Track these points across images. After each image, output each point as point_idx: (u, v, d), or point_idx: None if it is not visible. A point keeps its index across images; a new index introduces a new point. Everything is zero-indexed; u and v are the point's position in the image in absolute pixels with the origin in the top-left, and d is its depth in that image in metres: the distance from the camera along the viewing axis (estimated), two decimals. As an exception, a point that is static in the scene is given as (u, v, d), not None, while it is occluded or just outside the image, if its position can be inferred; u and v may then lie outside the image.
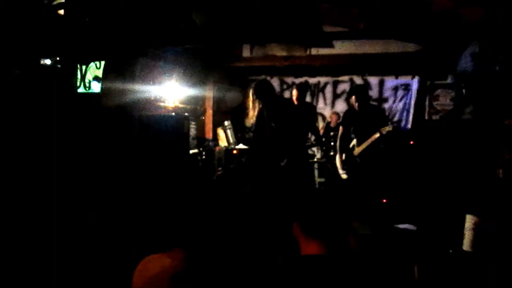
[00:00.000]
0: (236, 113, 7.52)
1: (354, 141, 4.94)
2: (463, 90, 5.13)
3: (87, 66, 4.10)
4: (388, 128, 4.75)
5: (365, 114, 4.83)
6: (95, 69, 4.36)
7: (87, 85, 4.26)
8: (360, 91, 4.94)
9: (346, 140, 5.02)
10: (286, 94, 7.35)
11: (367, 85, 6.72)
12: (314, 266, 1.55)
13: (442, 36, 4.57)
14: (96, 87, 4.33)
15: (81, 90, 4.42)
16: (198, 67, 6.62)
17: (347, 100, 5.68)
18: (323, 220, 1.70)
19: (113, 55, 4.20)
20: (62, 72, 4.18)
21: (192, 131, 6.50)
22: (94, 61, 4.21)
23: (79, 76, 4.29)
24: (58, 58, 4.01)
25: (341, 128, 5.11)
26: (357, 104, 4.81)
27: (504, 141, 3.87)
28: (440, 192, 4.69)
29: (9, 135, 3.43)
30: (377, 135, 4.69)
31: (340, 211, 1.84)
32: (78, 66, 4.06)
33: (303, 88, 5.18)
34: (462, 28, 4.18)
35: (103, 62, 4.25)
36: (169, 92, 5.95)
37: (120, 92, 4.53)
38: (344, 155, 5.01)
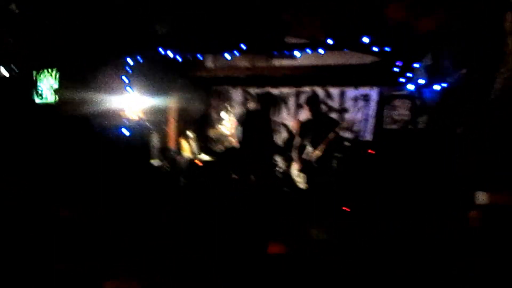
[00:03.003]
0: (200, 123, 7.48)
1: (309, 148, 5.05)
2: (418, 101, 5.35)
3: (38, 74, 3.97)
4: (342, 127, 4.97)
5: (317, 122, 5.01)
6: (50, 79, 4.23)
7: (42, 95, 4.12)
8: (312, 100, 5.16)
9: (300, 149, 5.14)
10: (250, 105, 7.38)
11: (317, 95, 6.84)
12: (277, 263, 1.62)
13: (397, 47, 4.75)
14: (50, 97, 4.20)
15: (37, 100, 4.28)
16: (161, 77, 6.55)
17: (310, 110, 5.77)
18: (285, 224, 1.76)
19: (69, 63, 4.10)
20: (17, 81, 4.04)
21: (155, 142, 6.41)
22: (47, 68, 4.09)
23: (36, 85, 4.16)
24: (12, 66, 3.88)
25: (297, 138, 5.22)
26: (310, 113, 5.02)
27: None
28: (399, 196, 4.84)
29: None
30: (333, 134, 4.84)
31: (298, 217, 1.90)
32: (34, 74, 3.94)
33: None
34: (414, 39, 4.36)
35: (56, 72, 4.14)
36: (131, 102, 5.85)
37: (78, 102, 4.42)
38: (301, 163, 5.09)
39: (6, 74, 3.73)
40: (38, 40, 3.86)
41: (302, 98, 7.14)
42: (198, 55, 6.11)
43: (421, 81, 5.00)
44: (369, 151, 6.02)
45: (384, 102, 6.88)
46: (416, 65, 4.96)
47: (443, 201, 3.82)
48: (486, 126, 3.49)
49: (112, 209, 4.09)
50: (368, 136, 7.02)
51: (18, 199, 3.42)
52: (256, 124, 5.08)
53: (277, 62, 6.78)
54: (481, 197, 2.87)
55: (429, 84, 4.84)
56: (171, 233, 3.74)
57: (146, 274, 2.78)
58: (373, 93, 6.95)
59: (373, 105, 6.97)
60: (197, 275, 2.63)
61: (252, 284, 1.66)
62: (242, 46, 5.39)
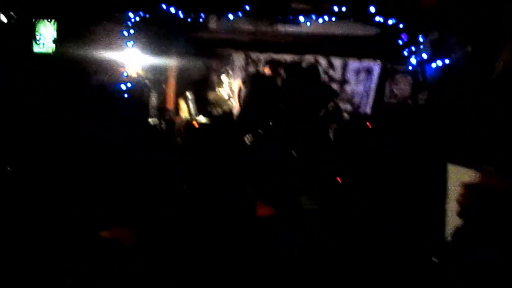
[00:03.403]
0: (199, 85, 7.43)
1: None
2: (420, 77, 5.29)
3: (37, 22, 3.90)
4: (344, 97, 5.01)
5: (316, 91, 5.00)
6: (50, 29, 4.16)
7: (40, 44, 4.06)
8: (311, 70, 5.15)
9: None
10: (250, 69, 7.31)
11: (316, 64, 6.76)
12: (266, 225, 1.66)
13: (403, 20, 4.67)
14: (49, 47, 4.14)
15: (37, 49, 4.23)
16: (163, 35, 6.45)
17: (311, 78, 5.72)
18: (275, 188, 1.79)
19: (69, 14, 4.02)
20: (16, 29, 3.98)
21: (153, 100, 6.38)
22: (46, 18, 4.01)
23: (36, 35, 4.10)
24: (11, 13, 3.81)
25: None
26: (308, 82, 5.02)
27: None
28: (394, 170, 4.88)
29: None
30: (331, 104, 4.84)
31: (289, 182, 1.93)
32: (33, 23, 3.88)
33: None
34: (420, 12, 4.29)
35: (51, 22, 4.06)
36: (131, 59, 5.78)
37: (77, 54, 4.36)
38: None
39: (5, 20, 3.66)
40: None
41: (304, 66, 7.07)
42: (201, 15, 5.99)
43: (425, 57, 4.94)
44: (367, 124, 6.03)
45: (386, 76, 6.82)
46: (420, 40, 4.89)
47: (437, 178, 3.85)
48: (486, 105, 3.49)
49: (108, 164, 4.11)
50: (368, 110, 7.01)
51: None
52: (262, 88, 5.09)
53: (281, 28, 6.67)
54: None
55: (432, 60, 4.78)
56: (165, 193, 3.79)
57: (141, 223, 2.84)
58: (376, 66, 6.89)
59: (375, 78, 6.92)
60: (190, 238, 2.69)
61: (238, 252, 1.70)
62: (246, 7, 5.29)
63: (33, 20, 3.90)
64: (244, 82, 5.40)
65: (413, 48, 5.17)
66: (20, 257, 2.44)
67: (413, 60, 5.37)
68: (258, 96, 5.11)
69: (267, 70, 5.23)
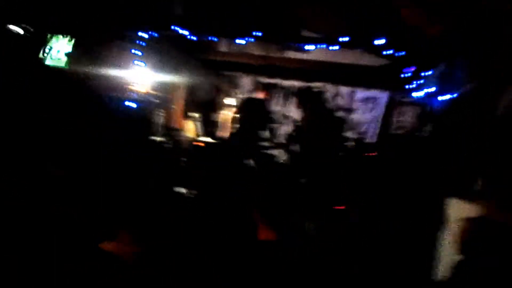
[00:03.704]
0: (207, 106, 7.50)
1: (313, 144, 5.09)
2: (425, 109, 5.32)
3: (52, 36, 4.00)
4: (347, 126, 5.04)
5: (322, 119, 5.04)
6: (64, 43, 4.25)
7: (54, 57, 4.15)
8: (317, 97, 5.21)
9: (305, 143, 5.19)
10: (259, 95, 7.39)
11: (323, 92, 6.84)
12: (269, 250, 1.64)
13: (411, 52, 4.73)
14: (62, 61, 4.22)
15: (48, 62, 4.31)
16: (173, 56, 6.57)
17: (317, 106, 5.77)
18: (279, 211, 1.79)
19: (83, 31, 4.12)
20: (29, 41, 4.07)
21: (160, 119, 6.45)
22: (62, 33, 4.11)
23: (47, 48, 4.19)
24: (27, 26, 3.90)
25: (302, 131, 5.26)
26: (314, 109, 5.06)
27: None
28: (397, 202, 4.85)
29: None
30: (338, 133, 4.86)
31: (294, 205, 1.93)
32: (48, 36, 3.98)
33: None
34: (429, 45, 4.34)
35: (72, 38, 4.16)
36: (141, 77, 5.88)
37: (88, 70, 4.45)
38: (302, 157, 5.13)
39: (21, 32, 3.75)
40: (56, 2, 3.89)
41: (312, 93, 7.15)
42: (212, 38, 6.10)
43: (431, 90, 4.97)
44: (372, 153, 6.03)
45: (392, 107, 6.86)
46: (428, 73, 4.94)
47: (438, 212, 3.83)
48: (489, 140, 3.49)
49: (111, 177, 4.13)
50: (373, 139, 7.02)
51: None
52: (254, 113, 5.16)
53: (290, 54, 6.77)
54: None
55: (438, 94, 4.81)
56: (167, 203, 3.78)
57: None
58: (383, 96, 6.94)
59: (381, 108, 6.96)
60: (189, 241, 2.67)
61: (238, 268, 1.70)
62: (257, 33, 5.39)
63: (48, 34, 3.99)
64: (239, 107, 5.49)
65: (420, 81, 5.22)
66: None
67: (419, 93, 5.41)
68: (248, 121, 5.19)
69: (262, 95, 5.35)
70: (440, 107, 4.89)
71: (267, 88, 7.47)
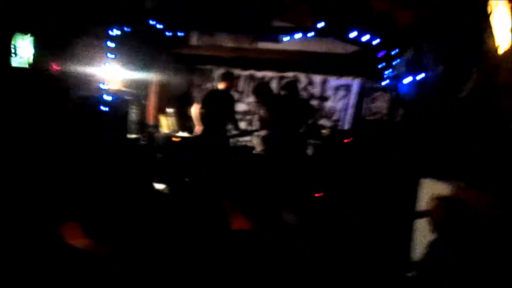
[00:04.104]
0: (181, 101, 7.45)
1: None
2: (396, 94, 5.44)
3: (16, 36, 3.90)
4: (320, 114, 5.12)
5: (295, 107, 5.10)
6: (28, 42, 4.13)
7: (19, 58, 4.03)
8: (289, 86, 5.26)
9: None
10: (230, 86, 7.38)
11: (296, 81, 6.89)
12: (242, 240, 1.66)
13: (380, 38, 4.82)
14: (27, 61, 4.11)
15: (14, 63, 4.20)
16: (144, 51, 6.48)
17: (290, 95, 5.82)
18: (252, 198, 1.81)
19: (46, 28, 4.02)
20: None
21: (133, 115, 6.37)
22: (24, 32, 4.00)
23: (12, 48, 4.07)
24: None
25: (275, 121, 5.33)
26: (287, 98, 5.13)
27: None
28: (369, 185, 4.97)
29: None
30: (311, 120, 4.95)
31: (268, 192, 1.95)
32: (12, 37, 3.87)
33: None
34: (397, 31, 4.43)
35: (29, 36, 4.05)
36: (112, 74, 5.78)
37: (55, 69, 4.36)
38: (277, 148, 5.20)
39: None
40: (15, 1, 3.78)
41: (285, 83, 7.21)
42: (183, 32, 6.06)
43: (401, 75, 5.09)
44: (346, 140, 6.13)
45: (364, 94, 6.99)
46: (396, 58, 5.04)
47: (410, 193, 3.94)
48: (457, 123, 3.61)
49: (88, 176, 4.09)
50: (346, 126, 7.14)
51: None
52: (225, 105, 5.23)
53: (262, 45, 6.79)
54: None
55: (408, 78, 4.93)
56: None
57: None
58: (354, 84, 7.05)
59: (353, 95, 7.07)
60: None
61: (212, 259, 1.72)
62: (228, 26, 5.39)
63: (10, 33, 3.88)
64: (210, 100, 5.55)
65: (389, 66, 5.33)
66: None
67: (390, 78, 5.53)
68: (220, 113, 5.27)
69: (223, 85, 5.42)
70: (409, 91, 5.01)
71: (240, 79, 7.50)
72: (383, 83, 5.97)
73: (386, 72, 5.57)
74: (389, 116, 6.09)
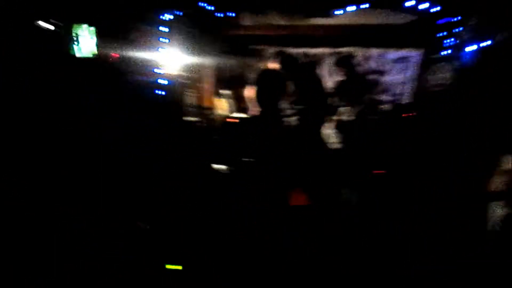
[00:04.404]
0: (235, 82, 7.48)
1: (343, 109, 5.01)
2: (460, 63, 5.10)
3: (76, 27, 4.06)
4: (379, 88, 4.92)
5: (352, 83, 4.93)
6: (89, 33, 4.30)
7: (81, 49, 4.22)
8: (345, 62, 5.07)
9: (334, 110, 5.13)
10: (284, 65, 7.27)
11: (351, 56, 6.64)
12: (301, 215, 1.66)
13: (441, 5, 4.52)
14: (89, 52, 4.29)
15: (78, 54, 4.39)
16: (197, 35, 6.55)
17: (346, 71, 5.64)
18: (310, 173, 1.79)
19: (105, 18, 4.16)
20: (57, 35, 4.15)
21: (190, 99, 6.50)
22: (87, 23, 4.16)
23: (74, 40, 4.26)
24: (53, 20, 3.98)
25: (329, 99, 5.20)
26: (343, 74, 4.95)
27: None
28: (438, 162, 4.75)
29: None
30: (369, 95, 4.76)
31: (326, 168, 1.92)
32: (74, 28, 4.05)
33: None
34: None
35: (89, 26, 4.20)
36: (167, 59, 5.91)
37: (115, 57, 4.53)
38: (335, 125, 5.08)
39: (48, 27, 3.84)
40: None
41: (339, 59, 6.98)
42: (233, 13, 6.04)
43: (465, 43, 4.76)
44: (407, 114, 5.89)
45: (425, 65, 6.62)
46: (459, 26, 4.71)
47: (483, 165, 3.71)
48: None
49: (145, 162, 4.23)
50: (407, 99, 6.84)
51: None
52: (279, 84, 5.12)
53: (314, 21, 6.61)
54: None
55: (472, 46, 4.60)
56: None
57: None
58: (415, 55, 6.70)
59: (413, 68, 6.74)
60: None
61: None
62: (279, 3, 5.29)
63: (73, 25, 4.06)
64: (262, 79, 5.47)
65: (450, 34, 5.00)
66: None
67: (453, 47, 5.19)
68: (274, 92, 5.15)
69: (276, 64, 5.29)
70: (474, 60, 4.69)
71: (294, 57, 7.39)
72: (445, 53, 5.62)
73: (447, 41, 5.24)
74: (454, 86, 5.74)
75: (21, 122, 3.44)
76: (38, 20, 3.99)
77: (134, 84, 4.78)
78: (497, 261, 2.38)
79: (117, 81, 4.54)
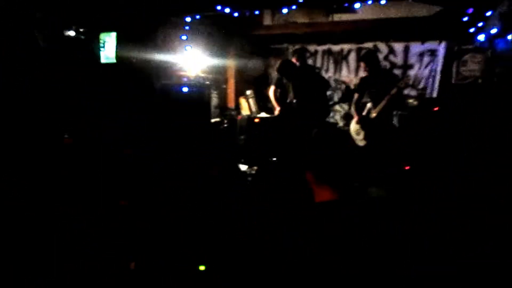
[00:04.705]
0: (258, 82, 7.49)
1: (369, 105, 4.93)
2: (490, 54, 4.95)
3: (100, 33, 4.16)
4: (404, 82, 4.82)
5: (377, 78, 4.85)
6: (113, 39, 4.40)
7: (107, 54, 4.31)
8: (369, 57, 4.98)
9: (360, 106, 5.05)
10: (309, 62, 7.24)
11: (375, 51, 6.53)
12: (328, 211, 1.62)
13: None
14: (113, 57, 4.38)
15: (103, 60, 4.49)
16: (219, 36, 6.59)
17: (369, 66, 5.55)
18: (336, 168, 1.75)
19: (128, 24, 4.24)
20: (85, 43, 4.26)
21: (214, 100, 6.54)
22: (112, 31, 4.26)
23: (101, 46, 4.36)
24: (81, 29, 4.08)
25: (355, 94, 5.13)
26: (367, 69, 4.87)
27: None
28: (461, 157, 4.61)
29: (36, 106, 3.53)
30: (395, 90, 4.66)
31: (351, 160, 1.88)
32: (100, 36, 4.15)
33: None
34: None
35: (114, 33, 4.29)
36: (191, 61, 5.98)
37: (138, 61, 4.60)
38: (360, 121, 5.01)
39: (72, 34, 3.94)
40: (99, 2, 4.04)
41: (364, 54, 6.91)
42: (256, 11, 6.03)
43: (494, 31, 4.61)
44: (435, 108, 5.74)
45: (453, 57, 6.44)
46: (488, 13, 4.56)
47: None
48: None
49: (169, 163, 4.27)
50: (435, 93, 6.67)
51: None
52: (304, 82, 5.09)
53: (336, 17, 6.55)
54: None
55: (503, 34, 4.45)
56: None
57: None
58: (441, 47, 6.53)
59: (440, 60, 6.56)
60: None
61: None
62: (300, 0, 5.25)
63: (98, 32, 4.16)
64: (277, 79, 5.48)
65: (480, 24, 4.85)
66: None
67: (481, 37, 5.04)
68: (300, 90, 5.12)
69: (297, 62, 5.27)
70: (506, 50, 4.54)
71: (317, 55, 7.34)
72: (474, 43, 5.46)
73: (476, 31, 5.08)
74: (484, 78, 5.57)
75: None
76: (65, 28, 4.09)
77: (159, 87, 4.85)
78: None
79: (142, 84, 4.61)
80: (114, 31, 4.35)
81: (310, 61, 7.27)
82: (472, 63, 6.18)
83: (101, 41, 4.34)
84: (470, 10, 4.61)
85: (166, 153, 4.38)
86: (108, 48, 4.38)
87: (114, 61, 4.35)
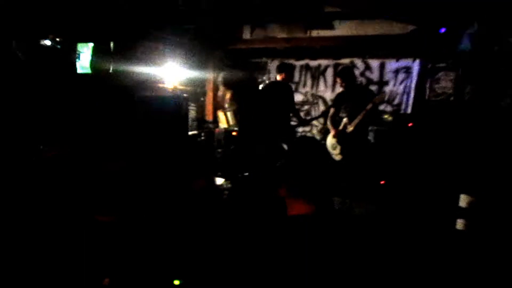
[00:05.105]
0: (238, 96, 7.50)
1: (345, 120, 4.99)
2: (462, 72, 5.10)
3: (77, 44, 4.12)
4: (380, 98, 4.90)
5: (353, 94, 4.95)
6: (91, 50, 4.35)
7: (83, 65, 4.26)
8: (345, 73, 5.09)
9: (336, 121, 5.13)
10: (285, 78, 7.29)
11: (352, 67, 6.68)
12: (300, 225, 1.63)
13: (442, 15, 4.53)
14: (89, 68, 4.33)
15: (80, 70, 4.43)
16: (199, 49, 6.60)
17: (346, 82, 5.65)
18: (309, 182, 1.77)
19: (105, 34, 4.21)
20: (61, 53, 4.20)
21: (192, 113, 6.52)
22: (87, 41, 4.21)
23: (79, 57, 4.31)
24: (57, 39, 4.02)
25: (332, 109, 5.21)
26: (344, 85, 4.97)
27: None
28: (437, 172, 4.72)
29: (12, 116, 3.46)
30: (370, 105, 4.75)
31: (324, 175, 1.90)
32: (78, 46, 4.10)
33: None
34: (460, 7, 4.14)
35: (91, 43, 4.25)
36: (170, 74, 5.96)
37: (119, 73, 4.57)
38: (337, 135, 5.06)
39: (48, 44, 3.89)
40: (77, 12, 4.00)
41: (340, 70, 7.04)
42: (235, 26, 6.10)
43: (466, 51, 4.77)
44: (409, 124, 5.87)
45: (426, 75, 6.62)
46: (460, 33, 4.72)
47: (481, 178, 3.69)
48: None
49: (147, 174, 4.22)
50: (409, 109, 6.83)
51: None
52: (281, 96, 5.13)
53: (315, 33, 6.66)
54: None
55: (474, 54, 4.61)
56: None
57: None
58: (415, 65, 6.71)
59: (414, 77, 6.74)
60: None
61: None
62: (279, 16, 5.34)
63: (74, 42, 4.11)
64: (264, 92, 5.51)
65: (453, 43, 5.01)
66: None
67: (454, 56, 5.20)
68: (276, 104, 5.14)
69: (280, 77, 5.32)
70: (478, 67, 4.69)
71: (295, 70, 7.41)
72: (447, 62, 5.63)
73: (448, 49, 5.25)
74: (456, 96, 5.73)
75: (21, 122, 3.47)
76: (43, 37, 4.03)
77: (137, 98, 4.81)
78: (497, 261, 2.35)
79: (119, 96, 4.57)
80: (92, 41, 4.31)
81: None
82: (445, 81, 6.37)
83: (77, 51, 4.29)
84: (443, 30, 4.76)
85: (143, 165, 4.34)
86: (84, 58, 4.33)
87: (89, 71, 4.30)
